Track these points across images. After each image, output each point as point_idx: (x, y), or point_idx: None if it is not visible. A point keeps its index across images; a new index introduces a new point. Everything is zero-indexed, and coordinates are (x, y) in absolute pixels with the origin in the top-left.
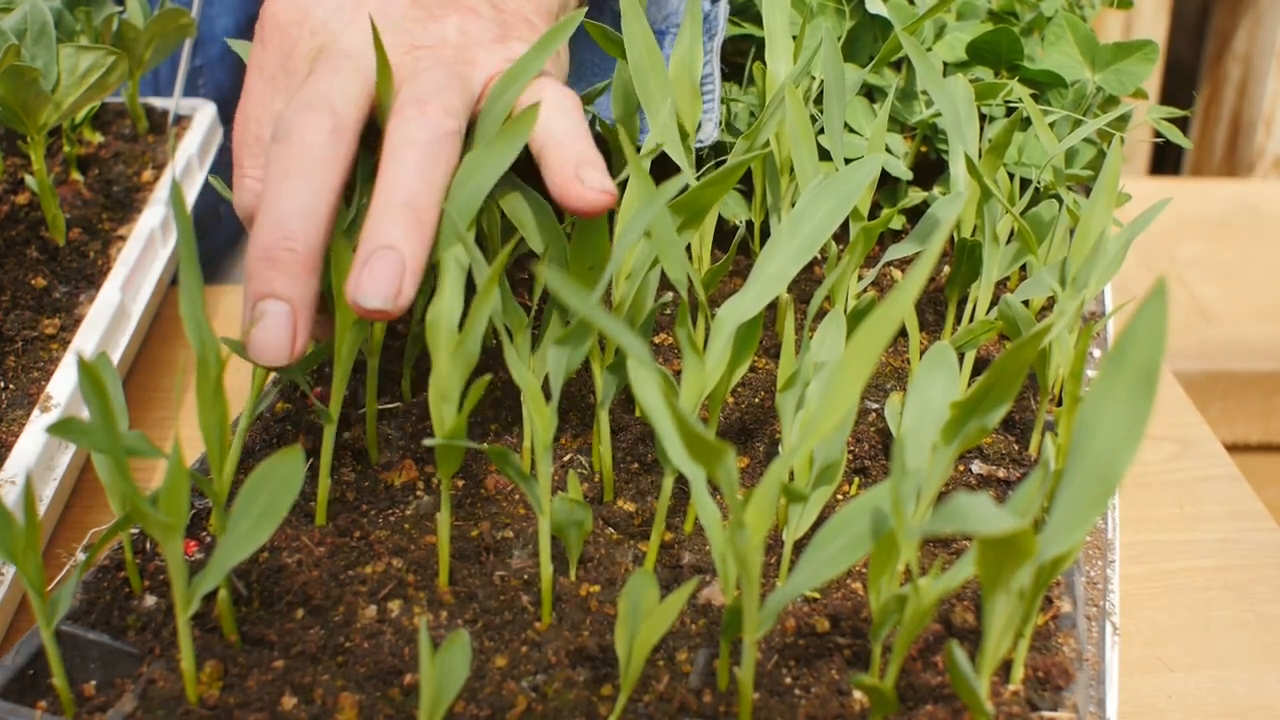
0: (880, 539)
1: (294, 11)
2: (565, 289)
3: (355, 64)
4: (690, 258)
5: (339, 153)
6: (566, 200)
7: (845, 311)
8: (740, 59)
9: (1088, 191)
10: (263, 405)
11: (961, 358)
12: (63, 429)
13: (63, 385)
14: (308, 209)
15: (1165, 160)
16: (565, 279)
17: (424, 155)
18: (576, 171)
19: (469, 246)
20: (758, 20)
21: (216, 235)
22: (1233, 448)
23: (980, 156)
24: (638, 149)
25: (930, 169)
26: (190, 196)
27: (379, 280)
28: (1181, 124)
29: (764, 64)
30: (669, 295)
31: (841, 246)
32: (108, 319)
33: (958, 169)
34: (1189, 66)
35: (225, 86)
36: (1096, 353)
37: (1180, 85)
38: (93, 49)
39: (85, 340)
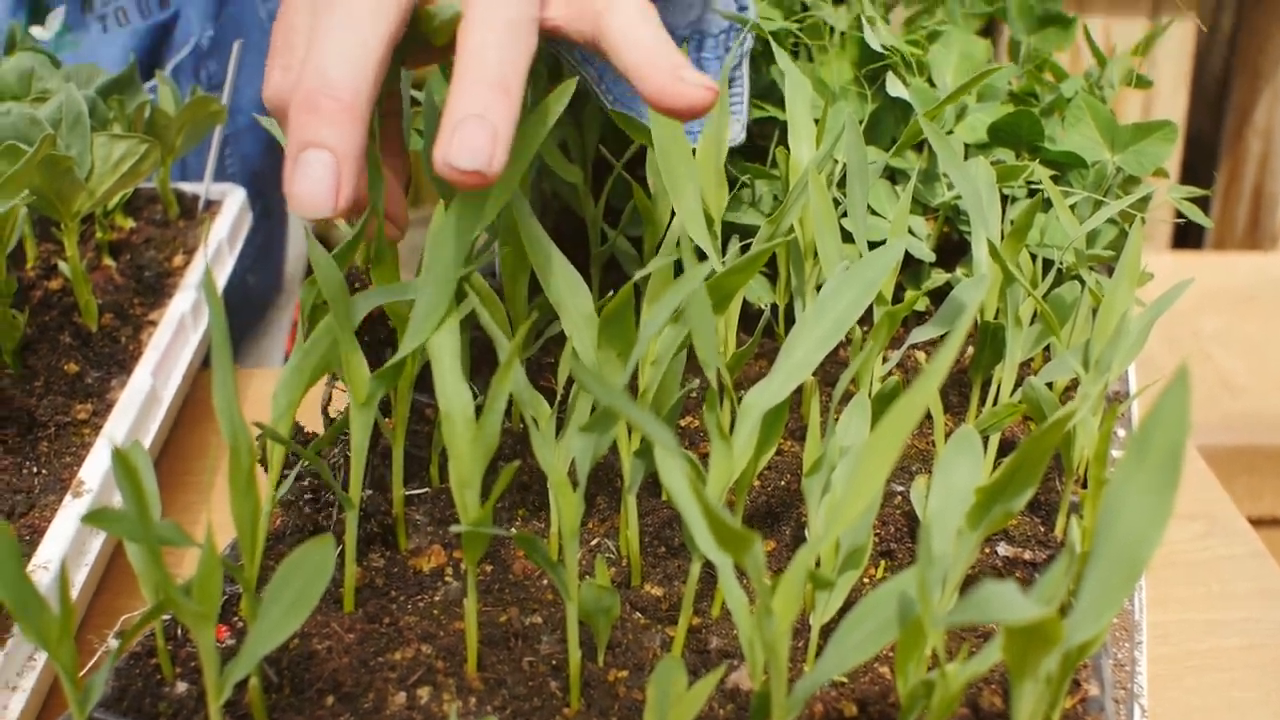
0: (907, 625)
1: None
2: (593, 382)
3: None
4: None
5: (387, 7)
6: (669, 99)
7: (870, 395)
8: (764, 141)
9: (1110, 271)
10: (283, 490)
11: (986, 440)
12: (97, 519)
13: (95, 470)
14: (353, 57)
15: (1188, 234)
16: (592, 372)
17: (505, 35)
18: (675, 72)
19: (496, 336)
20: (781, 103)
21: (243, 315)
22: (1259, 522)
23: (1003, 239)
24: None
25: (953, 249)
26: (220, 281)
27: (472, 143)
28: (1203, 199)
29: (787, 148)
30: (695, 381)
31: (865, 329)
32: (139, 404)
33: (980, 252)
34: (1210, 140)
35: (253, 158)
36: (1121, 432)
37: (1201, 158)
38: (126, 137)
39: (117, 426)
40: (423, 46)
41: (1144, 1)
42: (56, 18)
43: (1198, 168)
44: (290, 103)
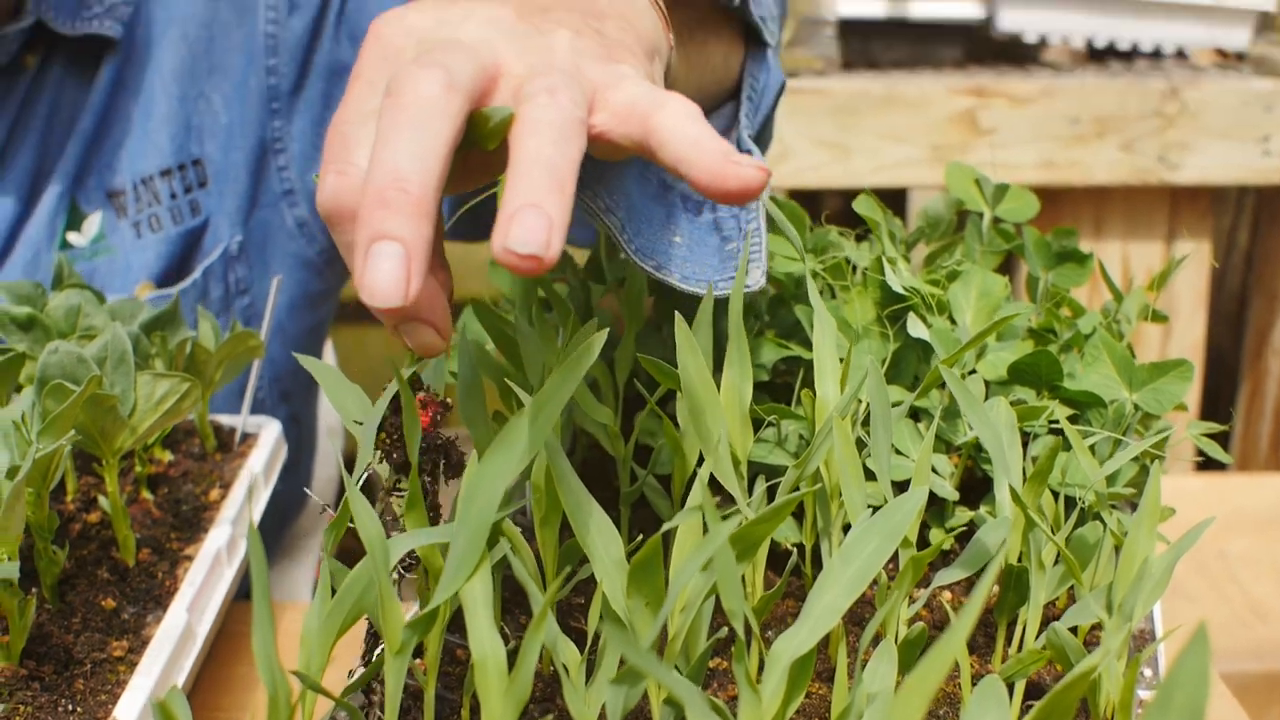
0: None
1: (400, 26)
2: (622, 641)
3: (471, 49)
4: (744, 584)
5: (452, 107)
6: (722, 181)
7: (896, 639)
8: (789, 378)
9: (1133, 506)
10: None
11: (1011, 685)
12: None
13: (130, 709)
14: (421, 153)
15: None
16: (621, 631)
17: (559, 133)
18: (727, 156)
19: (528, 585)
20: (804, 342)
21: (270, 534)
22: None
23: (1024, 480)
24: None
25: (977, 486)
26: (256, 515)
27: (530, 229)
28: (1225, 417)
29: (812, 390)
30: (724, 630)
31: (891, 567)
32: (174, 641)
33: (1003, 494)
34: (1231, 356)
35: (279, 362)
36: (1148, 671)
37: (1224, 375)
38: (168, 376)
39: (152, 664)
40: (472, 152)
41: (1160, 224)
42: (93, 224)
43: (1220, 384)
44: (362, 201)
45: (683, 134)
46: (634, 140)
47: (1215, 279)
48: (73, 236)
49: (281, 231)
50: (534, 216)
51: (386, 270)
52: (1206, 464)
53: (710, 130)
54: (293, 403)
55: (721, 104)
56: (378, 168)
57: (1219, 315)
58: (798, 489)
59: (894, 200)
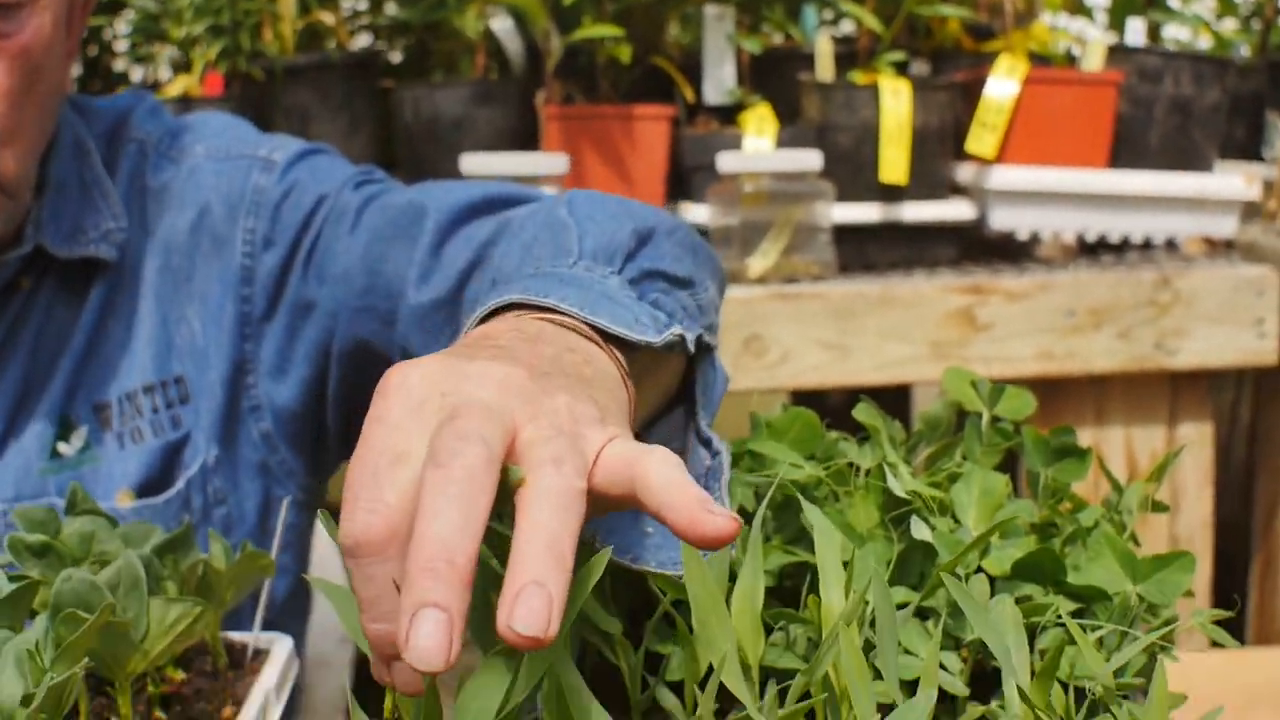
0: None
1: (420, 373)
2: None
3: (498, 414)
4: None
5: (491, 481)
6: (699, 528)
7: None
8: (798, 581)
9: (1145, 693)
10: None
11: None
12: None
13: None
14: (467, 529)
15: (1228, 626)
16: None
17: (561, 505)
18: (704, 506)
19: None
20: (810, 547)
21: None
22: None
23: (1032, 675)
24: None
25: (987, 680)
26: None
27: (533, 611)
28: (1240, 579)
29: (818, 595)
30: None
31: None
32: None
33: (1011, 693)
34: (1243, 528)
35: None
36: None
37: (1236, 548)
38: (181, 600)
39: None
40: None
41: (1161, 408)
42: (80, 436)
43: (1233, 557)
44: (410, 564)
45: (665, 481)
46: (622, 490)
47: (1221, 454)
48: (62, 447)
49: (248, 444)
50: (537, 597)
51: (433, 635)
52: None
53: (689, 479)
54: (294, 552)
55: (671, 404)
56: (429, 540)
57: (1228, 488)
58: (808, 694)
59: (896, 397)
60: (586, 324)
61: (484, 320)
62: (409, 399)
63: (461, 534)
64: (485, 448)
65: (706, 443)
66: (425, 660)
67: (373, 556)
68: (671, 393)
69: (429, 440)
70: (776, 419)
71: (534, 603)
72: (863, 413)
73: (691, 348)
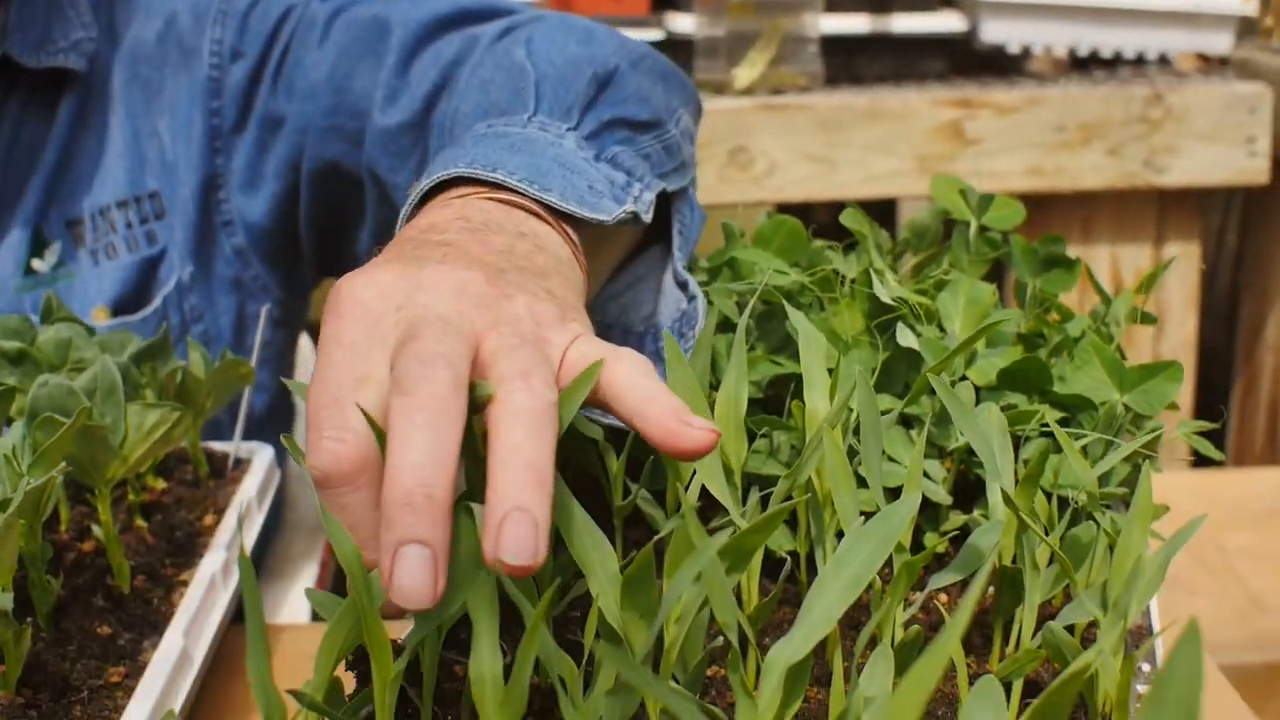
0: None
1: (374, 289)
2: (617, 657)
3: (457, 330)
4: (739, 590)
5: (461, 405)
6: (679, 444)
7: (892, 643)
8: (782, 390)
9: (1126, 504)
10: None
11: (1009, 684)
12: None
13: None
14: (441, 458)
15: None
16: (615, 649)
17: (536, 423)
18: (678, 416)
19: (520, 601)
20: (795, 356)
21: (265, 569)
22: None
23: (1016, 483)
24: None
25: (970, 490)
26: (250, 540)
27: (520, 540)
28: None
29: (802, 401)
30: (719, 640)
31: (885, 572)
32: (171, 666)
33: (995, 497)
34: (1224, 352)
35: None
36: (1146, 666)
37: (1217, 373)
38: (158, 406)
39: (149, 689)
40: None
41: (1149, 227)
42: (53, 252)
43: (1214, 381)
44: (387, 498)
45: (636, 389)
46: (589, 396)
47: (1206, 278)
48: (36, 263)
49: (221, 260)
50: (522, 524)
51: (417, 573)
52: (1202, 461)
53: (661, 386)
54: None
55: (646, 242)
56: (403, 471)
57: (1211, 313)
58: (790, 498)
59: (882, 211)
60: (536, 201)
61: (430, 194)
62: (364, 317)
63: (436, 464)
64: (451, 370)
65: (683, 285)
66: (411, 599)
67: (344, 486)
68: (631, 250)
69: (389, 360)
70: (761, 227)
71: (520, 531)
72: (850, 218)
73: (647, 217)
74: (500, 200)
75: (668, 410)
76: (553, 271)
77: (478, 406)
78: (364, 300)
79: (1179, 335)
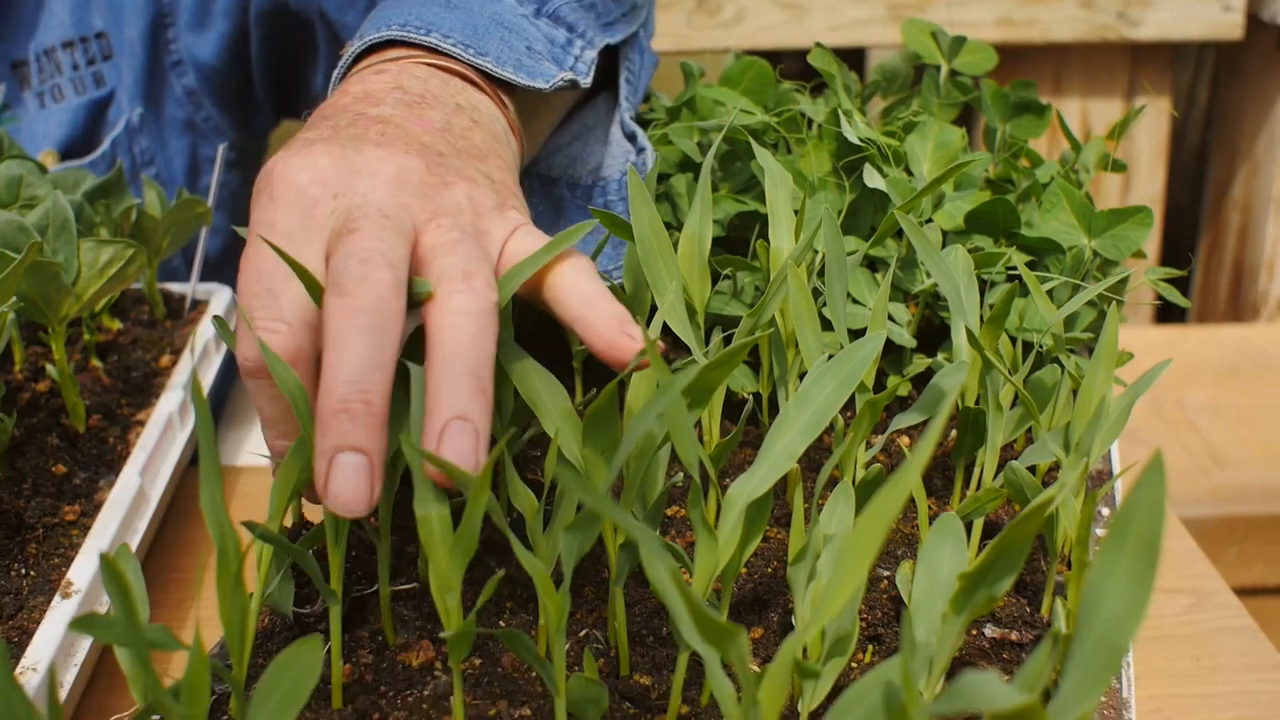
0: (894, 715)
1: (310, 172)
2: (577, 485)
3: (397, 224)
4: (700, 430)
5: (400, 308)
6: (618, 354)
7: (854, 482)
8: (745, 233)
9: (1090, 351)
10: (270, 587)
11: (970, 524)
12: (85, 625)
13: (83, 571)
14: (380, 362)
15: (1171, 307)
16: (575, 475)
17: (478, 326)
18: (621, 327)
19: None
20: (761, 197)
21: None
22: (1249, 591)
23: (981, 325)
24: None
25: (934, 334)
26: (207, 381)
27: (461, 450)
28: (1185, 268)
29: (767, 241)
30: (679, 475)
31: (848, 415)
32: (127, 504)
33: (960, 339)
34: (1190, 212)
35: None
36: (1106, 510)
37: (1182, 232)
38: (112, 242)
39: (105, 526)
40: None
41: (1120, 82)
42: None
43: (1178, 240)
44: (322, 404)
45: (579, 293)
46: (528, 291)
47: (1175, 136)
48: None
49: (173, 101)
50: (465, 434)
51: (353, 481)
52: (1165, 317)
53: (604, 290)
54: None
55: (594, 90)
56: (340, 375)
57: (1179, 172)
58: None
59: (851, 60)
60: (472, 67)
61: (367, 51)
62: (299, 203)
63: (375, 369)
64: (390, 271)
65: (631, 137)
66: (346, 506)
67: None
68: (579, 100)
69: (325, 250)
70: (729, 68)
71: (461, 442)
72: (818, 58)
73: (586, 81)
74: (437, 66)
75: (610, 319)
76: (490, 152)
77: (415, 303)
78: (299, 184)
79: (1147, 190)
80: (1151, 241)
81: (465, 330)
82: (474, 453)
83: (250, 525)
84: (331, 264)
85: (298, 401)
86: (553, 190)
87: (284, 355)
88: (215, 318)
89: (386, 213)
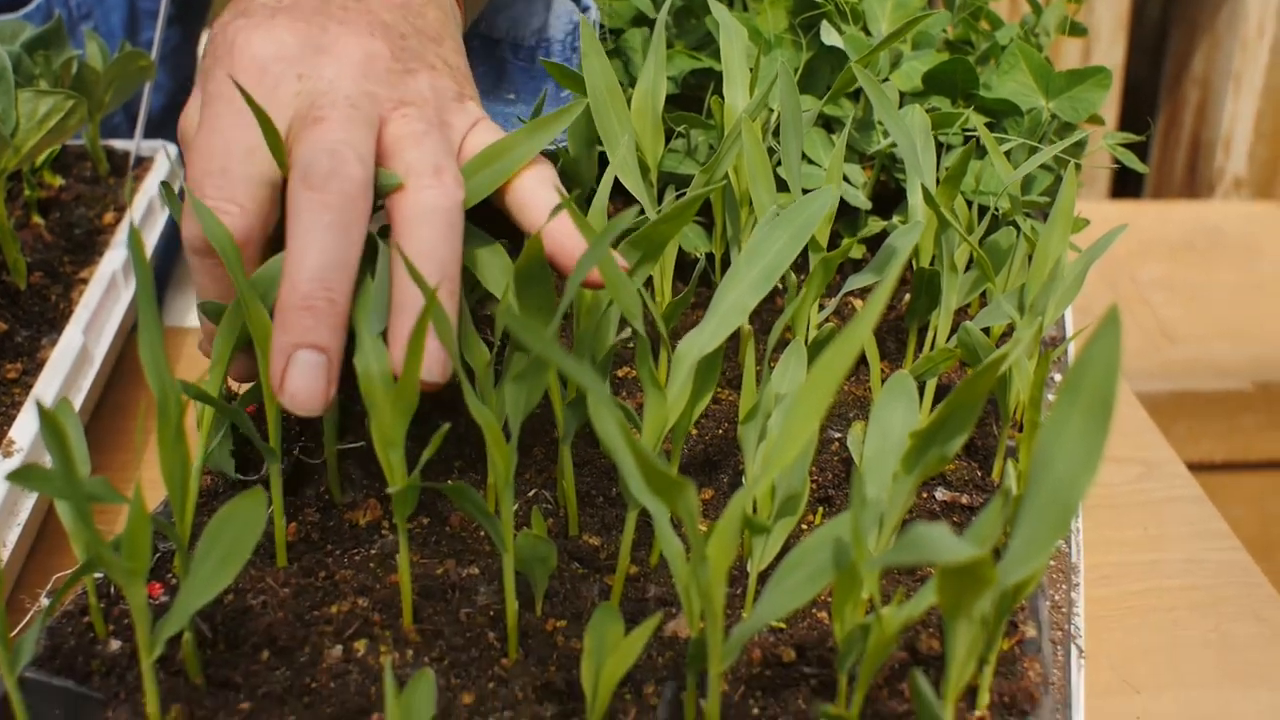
0: (843, 569)
1: (274, 48)
2: (521, 328)
3: (364, 115)
4: (652, 291)
5: (367, 205)
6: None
7: (806, 342)
8: (700, 92)
9: (1046, 217)
10: (213, 444)
11: (923, 386)
12: (24, 477)
13: (25, 430)
14: (345, 261)
15: (1126, 182)
16: (522, 319)
17: (446, 223)
18: (584, 244)
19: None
20: (716, 54)
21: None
22: (1198, 466)
23: (938, 186)
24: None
25: (890, 197)
26: (151, 239)
27: (432, 353)
28: (1141, 147)
29: (722, 98)
30: (629, 331)
31: (802, 277)
32: (70, 363)
33: (915, 199)
34: (1148, 88)
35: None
36: (1058, 376)
37: (1140, 107)
38: (52, 93)
39: (47, 384)
40: None
41: None
42: None
43: (1136, 116)
44: (284, 299)
45: (541, 204)
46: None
47: (1135, 9)
48: None
49: None
50: (437, 351)
51: (310, 379)
52: (1121, 192)
53: (555, 200)
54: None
55: None
56: (305, 271)
57: (1139, 46)
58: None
59: None
60: None
61: None
62: (261, 79)
63: (340, 268)
64: (360, 167)
65: None
66: (303, 405)
67: (217, 256)
68: None
69: (286, 132)
70: None
71: (436, 357)
72: None
73: None
74: None
75: (572, 235)
76: (445, 34)
77: (381, 194)
78: (261, 58)
79: (1107, 61)
80: (1109, 113)
81: (435, 226)
82: (443, 358)
83: (185, 385)
84: (298, 152)
85: (243, 289)
86: (495, 51)
87: (236, 237)
88: (162, 183)
89: (354, 102)
